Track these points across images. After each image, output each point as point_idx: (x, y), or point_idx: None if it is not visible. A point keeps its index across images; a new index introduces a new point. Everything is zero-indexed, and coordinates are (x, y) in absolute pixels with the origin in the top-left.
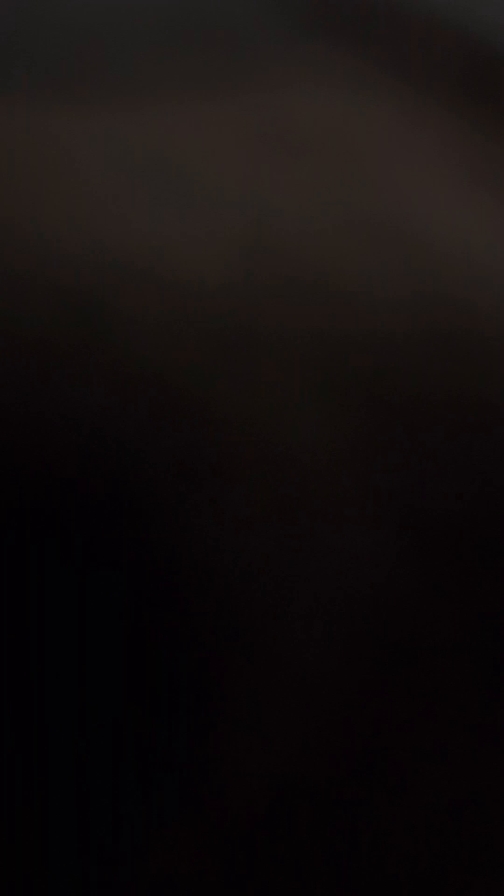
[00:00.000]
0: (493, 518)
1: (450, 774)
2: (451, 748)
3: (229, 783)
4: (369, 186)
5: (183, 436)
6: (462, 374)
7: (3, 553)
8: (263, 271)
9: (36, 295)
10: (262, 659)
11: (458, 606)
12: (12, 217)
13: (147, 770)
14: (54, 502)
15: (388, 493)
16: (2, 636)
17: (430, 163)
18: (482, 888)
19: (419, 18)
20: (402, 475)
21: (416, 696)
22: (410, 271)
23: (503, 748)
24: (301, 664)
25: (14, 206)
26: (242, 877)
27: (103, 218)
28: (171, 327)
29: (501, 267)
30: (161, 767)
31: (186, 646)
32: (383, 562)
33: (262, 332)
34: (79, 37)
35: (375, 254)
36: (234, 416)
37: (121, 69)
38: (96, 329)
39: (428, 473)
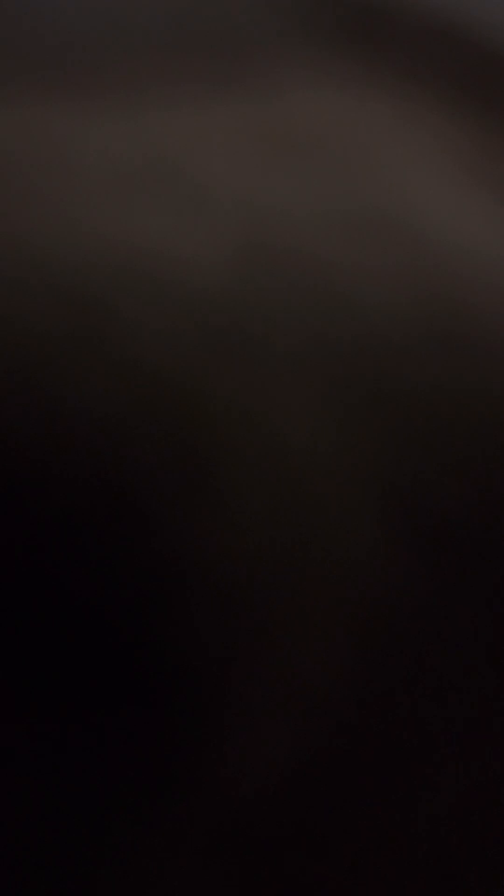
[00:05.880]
0: (495, 516)
1: (455, 776)
2: (457, 749)
3: (232, 784)
4: (369, 186)
5: (182, 436)
6: (462, 372)
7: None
8: (263, 271)
9: (34, 296)
10: (264, 659)
11: (463, 605)
12: (11, 218)
13: (148, 770)
14: (52, 502)
15: (389, 492)
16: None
17: (430, 162)
18: (484, 890)
19: (419, 18)
20: (404, 474)
21: (420, 697)
22: (410, 270)
23: None
24: (304, 665)
25: (13, 206)
26: (243, 877)
27: (103, 219)
28: (171, 328)
29: (501, 265)
30: (163, 768)
31: (188, 646)
32: (386, 561)
33: (262, 331)
34: (79, 37)
35: (375, 253)
36: (233, 416)
37: (121, 70)
38: (95, 330)
39: (429, 472)
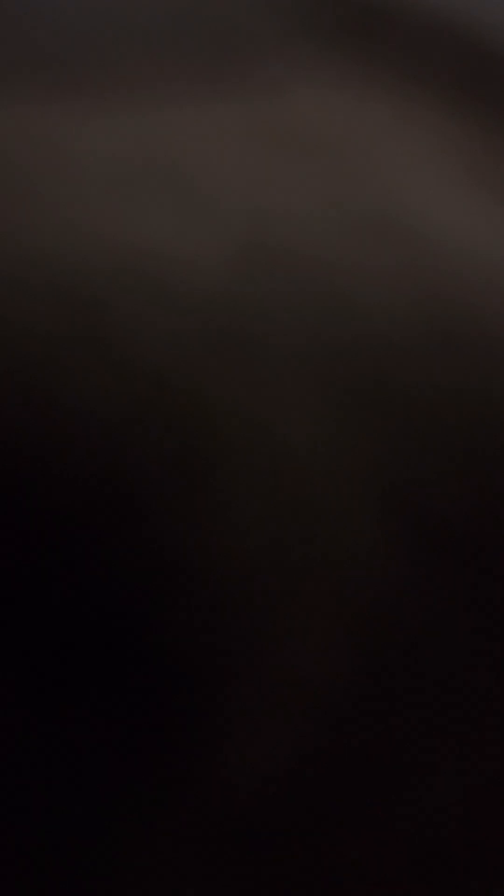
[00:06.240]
0: (495, 516)
1: (454, 775)
2: (456, 748)
3: (231, 783)
4: (369, 186)
5: (183, 436)
6: (462, 372)
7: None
8: (263, 272)
9: (34, 296)
10: (265, 659)
11: (463, 605)
12: (11, 218)
13: (149, 769)
14: (51, 502)
15: (389, 493)
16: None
17: (431, 162)
18: (483, 888)
19: (419, 18)
20: (404, 474)
21: (420, 696)
22: (410, 271)
23: None
24: (304, 664)
25: (13, 206)
26: (243, 875)
27: (103, 219)
28: (171, 328)
29: (501, 266)
30: (163, 767)
31: (188, 645)
32: (386, 561)
33: (262, 332)
34: (79, 37)
35: (376, 254)
36: (234, 416)
37: (121, 69)
38: (95, 330)
39: (430, 472)
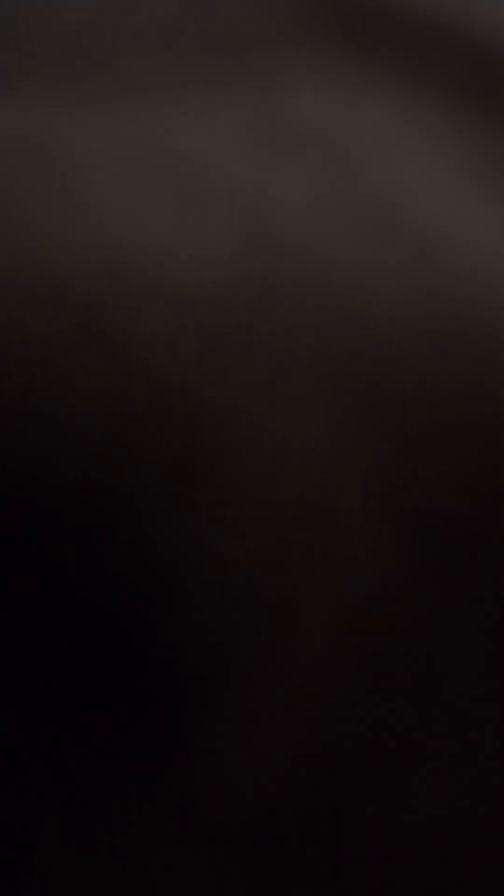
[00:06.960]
0: (494, 516)
1: (452, 775)
2: (454, 748)
3: (233, 781)
4: (370, 186)
5: (182, 435)
6: (462, 371)
7: None
8: (264, 271)
9: (35, 295)
10: (262, 659)
11: (462, 605)
12: (11, 216)
13: (151, 766)
14: (52, 502)
15: (390, 493)
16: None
17: (430, 161)
18: (483, 889)
19: (418, 18)
20: (405, 474)
21: (417, 697)
22: (410, 269)
23: None
24: (302, 664)
25: (14, 205)
26: (245, 871)
27: (104, 217)
28: (172, 327)
29: (500, 264)
30: (165, 764)
31: (189, 644)
32: (385, 561)
33: (263, 331)
34: (79, 36)
35: (376, 252)
36: (233, 415)
37: (121, 69)
38: (96, 329)
39: (430, 472)
